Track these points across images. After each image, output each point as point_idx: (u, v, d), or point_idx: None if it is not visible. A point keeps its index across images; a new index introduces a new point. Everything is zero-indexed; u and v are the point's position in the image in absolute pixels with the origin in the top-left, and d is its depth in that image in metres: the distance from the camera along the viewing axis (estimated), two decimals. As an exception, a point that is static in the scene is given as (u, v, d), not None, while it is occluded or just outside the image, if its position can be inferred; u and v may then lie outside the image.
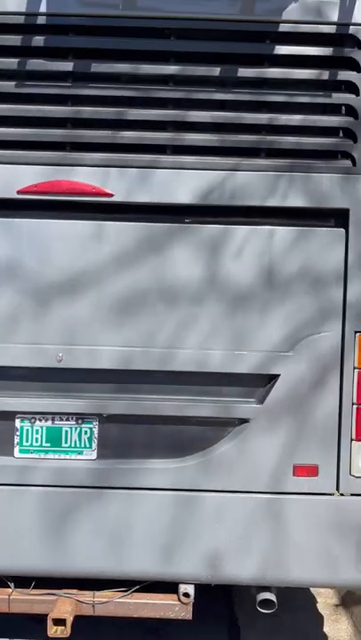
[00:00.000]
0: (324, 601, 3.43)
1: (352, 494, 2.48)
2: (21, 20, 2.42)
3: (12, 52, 2.43)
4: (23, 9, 2.41)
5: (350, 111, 2.45)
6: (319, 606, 3.36)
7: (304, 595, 3.46)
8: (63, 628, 2.34)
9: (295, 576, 2.47)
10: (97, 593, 2.48)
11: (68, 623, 2.35)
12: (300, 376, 2.46)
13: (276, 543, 2.46)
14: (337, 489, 2.48)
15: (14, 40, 2.43)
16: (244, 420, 2.47)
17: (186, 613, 2.47)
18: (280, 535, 2.46)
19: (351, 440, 2.48)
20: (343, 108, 2.47)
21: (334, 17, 2.43)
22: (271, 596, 2.51)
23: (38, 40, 2.43)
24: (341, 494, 2.48)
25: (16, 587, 2.51)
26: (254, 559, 2.45)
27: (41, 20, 2.42)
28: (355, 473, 2.48)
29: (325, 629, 3.12)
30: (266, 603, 2.52)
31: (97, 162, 2.43)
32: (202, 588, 2.57)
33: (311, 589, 3.52)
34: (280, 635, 3.00)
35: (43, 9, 2.41)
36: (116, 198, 2.43)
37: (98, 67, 2.44)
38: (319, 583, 2.73)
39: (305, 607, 3.35)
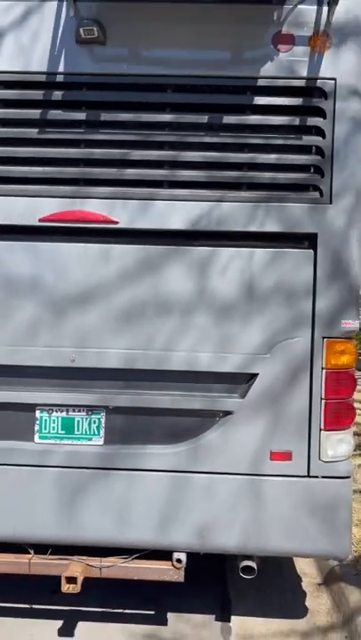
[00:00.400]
0: (309, 580, 3.80)
1: (321, 477, 2.90)
2: (43, 77, 2.91)
3: (34, 104, 2.93)
4: (44, 68, 2.91)
5: (319, 151, 2.90)
6: (303, 584, 3.74)
7: (291, 575, 3.85)
8: (74, 585, 2.78)
9: (272, 545, 2.89)
10: (103, 559, 2.92)
11: (79, 581, 2.79)
12: (276, 375, 2.89)
13: (255, 517, 2.87)
14: (308, 472, 2.90)
15: (37, 94, 2.92)
16: (228, 412, 2.91)
17: (178, 577, 2.89)
18: (259, 511, 2.87)
19: (320, 430, 2.90)
20: (313, 148, 2.91)
21: (304, 72, 2.88)
22: (252, 564, 2.93)
23: (57, 94, 2.92)
24: (312, 477, 2.90)
25: (35, 553, 2.95)
26: (237, 531, 2.87)
27: (59, 78, 2.91)
28: (323, 458, 2.90)
29: (307, 603, 3.50)
30: (247, 569, 2.94)
31: (105, 195, 2.90)
32: (198, 568, 2.99)
33: (298, 570, 3.91)
34: (267, 607, 3.37)
35: (60, 68, 2.90)
36: (121, 225, 2.90)
37: (106, 115, 2.92)
38: (292, 552, 3.11)
39: (291, 586, 3.73)
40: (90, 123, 2.93)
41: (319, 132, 2.89)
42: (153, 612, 3.33)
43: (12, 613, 3.26)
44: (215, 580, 3.66)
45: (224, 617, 3.32)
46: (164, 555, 2.93)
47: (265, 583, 3.57)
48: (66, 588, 2.78)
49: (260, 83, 2.89)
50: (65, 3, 2.88)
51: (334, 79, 2.87)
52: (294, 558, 4.06)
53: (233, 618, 3.30)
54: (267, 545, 2.88)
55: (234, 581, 3.63)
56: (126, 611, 3.31)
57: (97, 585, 3.14)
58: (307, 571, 3.95)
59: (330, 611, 3.43)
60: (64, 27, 2.90)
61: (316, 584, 3.77)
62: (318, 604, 3.50)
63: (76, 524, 2.91)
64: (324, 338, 2.90)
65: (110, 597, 3.39)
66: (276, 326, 2.90)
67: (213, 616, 3.33)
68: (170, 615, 3.31)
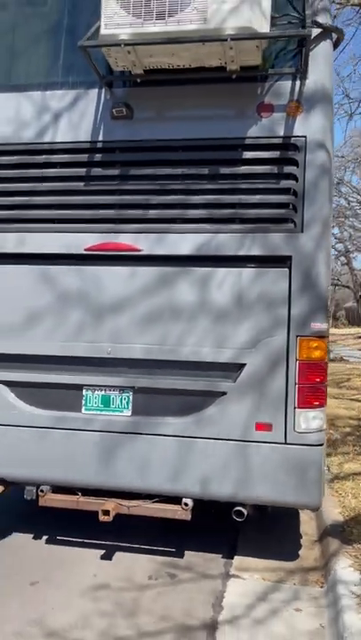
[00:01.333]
0: (307, 538, 4.57)
1: (295, 444, 3.74)
2: (87, 145, 3.97)
3: (81, 164, 4.00)
4: (89, 138, 3.97)
5: (293, 192, 3.76)
6: (302, 540, 4.53)
7: (293, 533, 4.66)
8: (108, 517, 3.80)
9: (256, 495, 3.76)
10: (130, 501, 3.92)
11: (112, 514, 3.80)
12: (259, 365, 3.77)
13: (244, 474, 3.76)
14: (285, 440, 3.74)
15: (83, 157, 3.99)
16: (223, 393, 3.82)
17: (186, 516, 3.83)
18: (247, 469, 3.76)
19: (295, 408, 3.74)
20: (289, 190, 3.77)
21: (281, 132, 3.75)
22: (242, 509, 3.82)
23: (97, 156, 3.98)
24: (288, 444, 3.74)
25: (82, 495, 4.01)
26: (230, 483, 3.77)
27: (99, 144, 3.96)
28: (297, 430, 3.73)
29: (300, 552, 4.29)
30: (238, 513, 3.83)
31: (132, 230, 3.91)
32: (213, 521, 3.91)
33: (300, 531, 4.72)
34: (265, 552, 4.19)
35: (100, 137, 3.95)
36: (143, 252, 3.90)
37: (133, 171, 3.93)
38: (272, 501, 3.87)
39: (290, 540, 4.53)
40: (121, 177, 3.96)
41: (293, 177, 3.75)
42: (174, 549, 4.28)
43: (61, 544, 4.34)
44: (227, 531, 4.55)
45: (230, 556, 4.21)
46: (175, 500, 3.88)
47: (269, 537, 4.44)
48: (102, 518, 3.80)
49: (248, 141, 3.80)
50: (103, 90, 3.93)
51: (305, 136, 3.73)
52: (301, 522, 4.88)
53: (236, 557, 4.18)
54: (252, 494, 3.76)
55: (244, 533, 4.53)
56: (153, 547, 4.29)
57: (131, 528, 4.16)
58: (308, 532, 4.75)
59: (317, 559, 4.23)
60: (103, 107, 3.95)
61: (312, 541, 4.56)
62: (309, 554, 4.31)
63: (111, 474, 3.92)
64: (297, 336, 3.74)
65: (141, 538, 4.38)
66: (259, 327, 3.78)
67: (221, 554, 4.23)
68: (186, 552, 4.25)
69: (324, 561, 4.13)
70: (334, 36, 4.00)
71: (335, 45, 4.11)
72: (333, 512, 4.74)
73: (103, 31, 3.42)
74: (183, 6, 3.31)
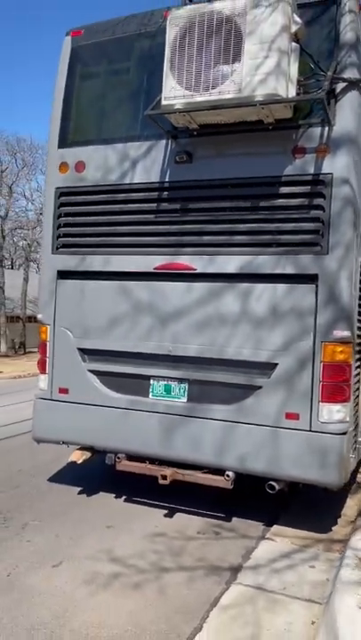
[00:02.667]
0: (345, 519, 5.21)
1: (318, 431, 4.46)
2: (156, 185, 4.99)
3: (151, 200, 5.02)
4: (158, 179, 4.98)
5: (321, 221, 4.48)
6: (339, 520, 5.19)
7: (333, 514, 5.32)
8: (166, 481, 4.80)
9: (285, 472, 4.53)
10: (185, 470, 4.89)
11: (169, 479, 4.80)
12: (290, 364, 4.54)
13: (274, 454, 4.55)
14: (310, 428, 4.48)
15: (153, 195, 5.01)
16: (259, 387, 4.64)
17: (228, 485, 4.71)
18: (278, 450, 4.55)
19: (319, 401, 4.46)
20: (317, 219, 4.50)
21: (311, 170, 4.49)
22: (274, 483, 4.62)
23: (164, 194, 4.98)
24: (313, 431, 4.48)
25: (148, 463, 5.05)
26: (263, 461, 4.59)
27: (166, 184, 4.96)
28: (320, 420, 4.46)
29: (333, 528, 4.96)
30: (270, 486, 4.64)
31: (189, 253, 4.87)
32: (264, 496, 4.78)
33: (341, 512, 5.37)
34: (302, 524, 4.89)
35: (166, 179, 4.94)
36: (198, 271, 4.83)
37: (192, 205, 4.88)
38: (298, 478, 4.56)
39: (329, 518, 5.20)
40: (182, 210, 4.93)
41: (321, 208, 4.47)
42: (224, 515, 5.18)
43: (135, 503, 5.41)
44: (273, 505, 5.34)
45: (270, 524, 5.01)
46: (220, 472, 4.78)
47: (309, 513, 5.17)
48: (161, 481, 4.82)
49: (284, 179, 4.58)
50: (169, 141, 4.92)
51: (331, 174, 4.43)
52: (345, 506, 5.53)
53: (275, 525, 4.97)
54: (281, 472, 4.55)
55: (288, 508, 5.31)
56: (208, 512, 5.22)
57: (192, 496, 5.13)
58: (348, 513, 5.39)
59: (346, 535, 4.89)
60: (169, 154, 4.95)
61: (349, 521, 5.20)
62: (341, 530, 4.97)
63: (170, 448, 4.91)
64: (322, 342, 4.46)
65: (199, 504, 5.32)
66: (290, 333, 4.55)
67: (262, 522, 5.05)
68: (234, 518, 5.12)
69: (350, 536, 4.79)
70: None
71: (367, 91, 4.74)
72: (373, 499, 5.34)
73: (163, 102, 4.42)
74: (223, 79, 4.20)
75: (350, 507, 5.54)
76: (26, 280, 32.41)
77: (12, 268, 41.50)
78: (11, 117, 56.31)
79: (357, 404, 5.20)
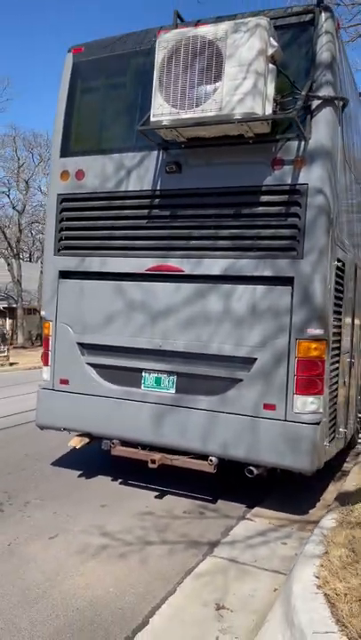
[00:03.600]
0: (323, 503, 5.61)
1: (293, 421, 4.86)
2: (148, 192, 5.40)
3: (143, 207, 5.44)
4: (150, 188, 5.39)
5: (297, 227, 4.85)
6: (318, 504, 5.60)
7: (312, 499, 5.72)
8: (155, 464, 5.25)
9: (262, 458, 4.95)
10: (173, 455, 5.33)
11: (158, 463, 5.26)
12: (267, 359, 4.94)
13: (254, 441, 4.96)
14: (285, 417, 4.89)
15: (145, 202, 5.43)
16: (240, 380, 5.06)
17: (211, 469, 5.14)
18: (256, 437, 4.96)
19: (293, 393, 4.86)
20: (293, 226, 4.88)
21: (289, 181, 4.86)
22: (253, 468, 5.04)
23: (155, 201, 5.39)
24: (288, 421, 4.88)
25: (141, 448, 5.50)
26: (242, 448, 5.01)
27: (157, 192, 5.37)
28: (294, 410, 4.86)
29: (310, 511, 5.38)
30: (249, 471, 5.06)
31: (178, 256, 5.28)
32: (248, 481, 5.22)
33: (321, 497, 5.77)
34: (282, 507, 5.32)
35: (158, 187, 5.35)
36: (185, 272, 5.25)
37: (180, 212, 5.29)
38: (274, 464, 4.95)
39: (308, 503, 5.60)
40: (172, 216, 5.34)
41: (297, 215, 4.85)
42: (211, 498, 5.62)
43: (130, 485, 5.87)
44: (257, 490, 5.76)
45: (252, 506, 5.44)
46: (205, 457, 5.21)
47: (290, 498, 5.60)
48: (150, 465, 5.27)
49: (263, 188, 4.96)
50: (161, 152, 5.33)
51: (307, 184, 4.80)
52: (326, 491, 5.93)
53: (256, 507, 5.41)
54: (258, 457, 4.96)
55: (271, 492, 5.73)
56: (196, 495, 5.66)
57: (183, 480, 5.58)
58: (327, 498, 5.79)
59: (321, 516, 5.30)
60: (160, 165, 5.36)
61: (326, 505, 5.61)
62: (318, 513, 5.37)
63: (160, 435, 5.35)
64: (297, 339, 4.85)
65: (189, 487, 5.76)
66: (268, 331, 4.95)
67: (245, 505, 5.48)
68: (219, 500, 5.56)
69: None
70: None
71: (344, 106, 5.09)
72: (350, 485, 5.73)
73: (152, 118, 4.83)
74: (206, 98, 4.59)
75: (331, 492, 5.95)
76: (43, 273, 33.05)
77: (30, 261, 42.31)
78: (27, 114, 57.05)
79: (336, 397, 5.60)
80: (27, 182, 32.69)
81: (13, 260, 32.21)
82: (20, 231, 32.51)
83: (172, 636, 3.29)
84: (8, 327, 33.33)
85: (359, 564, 3.70)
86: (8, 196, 32.73)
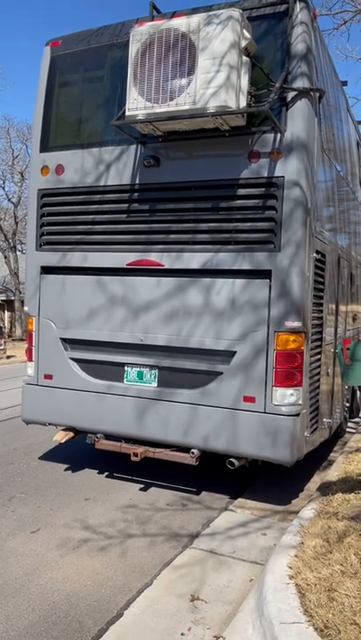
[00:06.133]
0: (306, 493, 5.68)
1: (272, 413, 4.89)
2: (128, 187, 5.40)
3: (123, 201, 5.43)
4: (129, 182, 5.38)
5: (274, 220, 4.86)
6: (301, 494, 5.65)
7: (296, 490, 5.78)
8: (137, 458, 5.30)
9: (243, 450, 4.99)
10: (156, 448, 5.37)
11: (140, 456, 5.30)
12: (247, 352, 4.97)
13: (233, 433, 5.00)
14: (265, 409, 4.92)
15: (125, 196, 5.42)
16: (220, 373, 5.08)
17: (193, 462, 5.18)
18: (236, 429, 5.00)
19: (272, 386, 4.89)
20: (271, 219, 4.88)
21: (265, 173, 4.85)
22: (234, 460, 5.08)
23: (135, 195, 5.39)
24: (267, 412, 4.91)
25: (124, 442, 5.54)
26: (223, 440, 5.05)
27: (136, 186, 5.37)
28: (273, 402, 4.89)
29: (293, 502, 5.43)
30: (230, 463, 5.10)
31: (158, 250, 5.28)
32: (232, 472, 5.27)
33: (304, 488, 5.82)
34: (265, 497, 5.39)
35: (137, 181, 5.35)
36: (165, 266, 5.25)
37: (159, 206, 5.28)
38: (254, 455, 4.99)
39: (292, 493, 5.67)
40: (151, 210, 5.34)
41: (274, 208, 4.85)
42: (195, 489, 5.67)
43: (115, 478, 5.93)
44: (241, 481, 5.82)
45: (234, 497, 5.50)
46: (187, 449, 5.25)
47: (274, 488, 5.65)
48: (133, 458, 5.32)
49: (241, 181, 4.96)
50: (139, 146, 5.31)
51: (283, 176, 4.80)
52: (310, 482, 5.98)
53: (239, 499, 5.46)
54: (239, 449, 5.00)
55: (255, 483, 5.78)
56: (180, 486, 5.72)
57: (168, 472, 5.63)
58: (311, 488, 5.84)
59: (302, 509, 5.35)
60: (139, 158, 5.34)
61: (309, 495, 5.66)
62: (300, 503, 5.42)
63: (143, 428, 5.39)
64: (275, 332, 4.87)
65: (174, 479, 5.82)
66: (247, 324, 4.96)
67: (228, 496, 5.53)
68: (203, 492, 5.61)
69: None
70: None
71: (320, 98, 5.07)
72: (333, 475, 5.78)
73: (127, 112, 4.81)
74: (180, 92, 4.57)
75: (315, 482, 6.00)
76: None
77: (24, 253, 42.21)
78: (23, 105, 56.66)
79: (318, 388, 5.63)
80: (21, 174, 32.49)
81: (10, 253, 32.16)
82: (17, 223, 32.38)
83: (145, 626, 3.34)
84: (7, 320, 33.40)
85: (332, 554, 3.75)
86: (3, 188, 32.60)
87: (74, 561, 4.14)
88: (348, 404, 7.89)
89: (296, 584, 3.43)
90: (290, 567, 3.69)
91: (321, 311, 5.53)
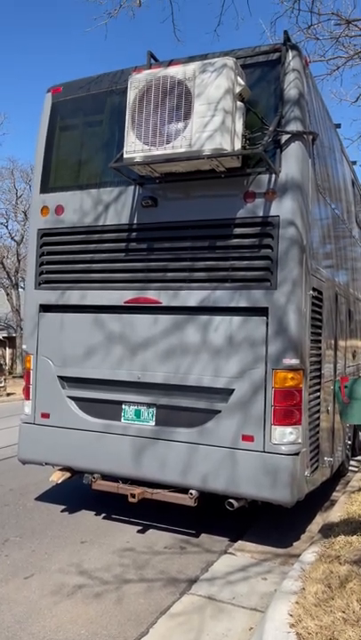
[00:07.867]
0: (308, 535, 5.54)
1: (271, 452, 4.82)
2: (126, 226, 5.47)
3: (121, 240, 5.50)
4: (127, 222, 5.46)
5: (270, 259, 4.90)
6: (302, 537, 5.51)
7: (298, 531, 5.64)
8: (135, 499, 5.20)
9: (242, 491, 4.89)
10: (154, 489, 5.27)
11: (138, 497, 5.20)
12: (245, 390, 4.93)
13: (232, 473, 4.92)
14: (264, 449, 4.85)
15: (123, 235, 5.49)
16: (218, 411, 5.04)
17: (191, 503, 5.08)
18: (235, 469, 4.91)
19: (271, 424, 4.84)
20: (267, 257, 4.92)
21: (261, 213, 4.93)
22: (233, 501, 4.98)
23: (133, 235, 5.46)
24: (266, 452, 4.84)
25: (121, 482, 5.45)
26: (222, 480, 4.96)
27: (134, 226, 5.44)
28: (273, 441, 4.82)
29: (294, 544, 5.29)
30: (229, 504, 5.00)
31: (155, 288, 5.31)
32: (232, 514, 5.17)
33: (306, 530, 5.69)
34: (266, 540, 5.25)
35: (135, 221, 5.42)
36: (163, 304, 5.28)
37: (157, 244, 5.35)
38: (253, 496, 4.89)
39: (293, 535, 5.52)
40: (149, 249, 5.40)
41: (270, 247, 4.90)
42: (194, 532, 5.54)
43: (112, 520, 5.80)
44: (241, 522, 5.69)
45: (234, 540, 5.36)
46: (185, 490, 5.15)
47: (275, 530, 5.52)
48: (130, 499, 5.22)
49: (237, 221, 5.03)
50: (137, 187, 5.42)
51: (278, 216, 4.87)
52: (312, 522, 5.85)
53: (239, 541, 5.33)
54: (238, 490, 4.91)
55: (256, 524, 5.65)
56: (178, 528, 5.59)
57: (167, 514, 5.51)
58: (313, 529, 5.71)
59: (303, 552, 5.21)
60: (136, 199, 5.44)
61: (310, 537, 5.53)
62: (301, 546, 5.29)
63: (140, 468, 5.31)
64: (273, 369, 4.85)
65: (172, 521, 5.69)
66: (245, 361, 4.94)
67: (228, 538, 5.40)
68: (202, 534, 5.48)
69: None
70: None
71: (314, 140, 5.19)
72: (335, 515, 5.66)
73: (125, 155, 4.92)
74: (176, 135, 4.69)
75: (317, 523, 5.86)
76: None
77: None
78: (26, 147, 58.12)
79: (318, 425, 5.57)
80: (25, 213, 33.02)
81: (12, 290, 32.39)
82: (19, 261, 32.72)
83: None
84: (8, 357, 33.36)
85: (334, 600, 3.63)
86: (6, 227, 33.07)
87: (68, 608, 4.01)
88: (349, 442, 7.78)
89: (297, 633, 3.31)
90: (290, 615, 3.57)
91: (319, 348, 5.52)
